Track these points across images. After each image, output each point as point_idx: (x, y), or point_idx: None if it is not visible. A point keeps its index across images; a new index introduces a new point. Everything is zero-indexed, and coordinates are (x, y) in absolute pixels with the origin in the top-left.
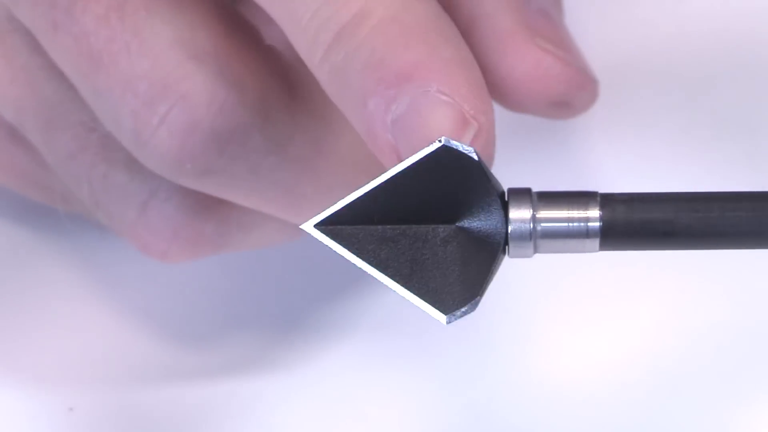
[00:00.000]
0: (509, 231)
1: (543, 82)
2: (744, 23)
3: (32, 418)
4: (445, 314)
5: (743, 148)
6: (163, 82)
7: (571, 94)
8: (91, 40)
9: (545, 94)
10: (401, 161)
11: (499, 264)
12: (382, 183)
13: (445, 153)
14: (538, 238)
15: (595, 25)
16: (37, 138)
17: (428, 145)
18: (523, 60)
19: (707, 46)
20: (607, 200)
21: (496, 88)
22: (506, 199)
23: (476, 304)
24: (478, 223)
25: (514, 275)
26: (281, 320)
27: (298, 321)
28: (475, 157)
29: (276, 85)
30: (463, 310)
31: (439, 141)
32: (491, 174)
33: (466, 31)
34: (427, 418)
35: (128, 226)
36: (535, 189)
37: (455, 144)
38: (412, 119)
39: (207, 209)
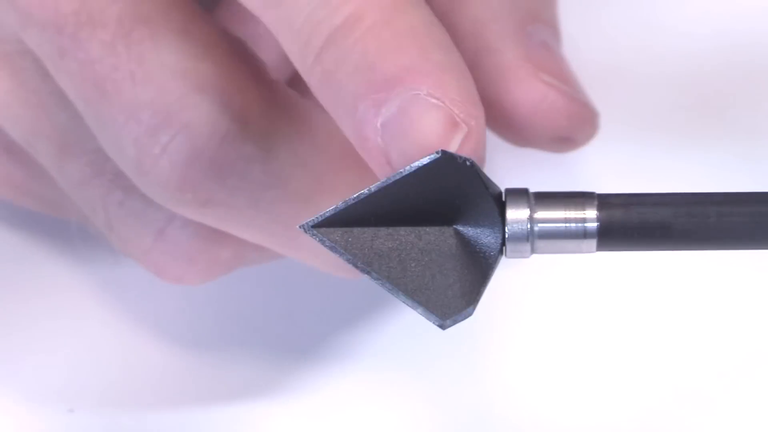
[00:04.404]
0: (506, 231)
1: (547, 116)
2: (744, 23)
3: (32, 418)
4: (442, 321)
5: (741, 148)
6: (166, 112)
7: (574, 128)
8: (96, 67)
9: (550, 128)
10: (390, 165)
11: (496, 266)
12: (380, 189)
13: (443, 162)
14: (535, 238)
15: (595, 26)
16: (49, 162)
17: (425, 155)
18: (527, 95)
19: (706, 47)
20: (604, 201)
21: (501, 122)
22: (503, 199)
23: (471, 312)
24: (475, 224)
25: (512, 275)
26: (287, 334)
27: (305, 335)
28: (471, 164)
29: (279, 119)
30: (458, 318)
31: (437, 153)
32: (488, 179)
33: (471, 65)
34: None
35: (144, 252)
36: (533, 189)
37: (452, 153)
38: (401, 122)
39: (224, 234)
